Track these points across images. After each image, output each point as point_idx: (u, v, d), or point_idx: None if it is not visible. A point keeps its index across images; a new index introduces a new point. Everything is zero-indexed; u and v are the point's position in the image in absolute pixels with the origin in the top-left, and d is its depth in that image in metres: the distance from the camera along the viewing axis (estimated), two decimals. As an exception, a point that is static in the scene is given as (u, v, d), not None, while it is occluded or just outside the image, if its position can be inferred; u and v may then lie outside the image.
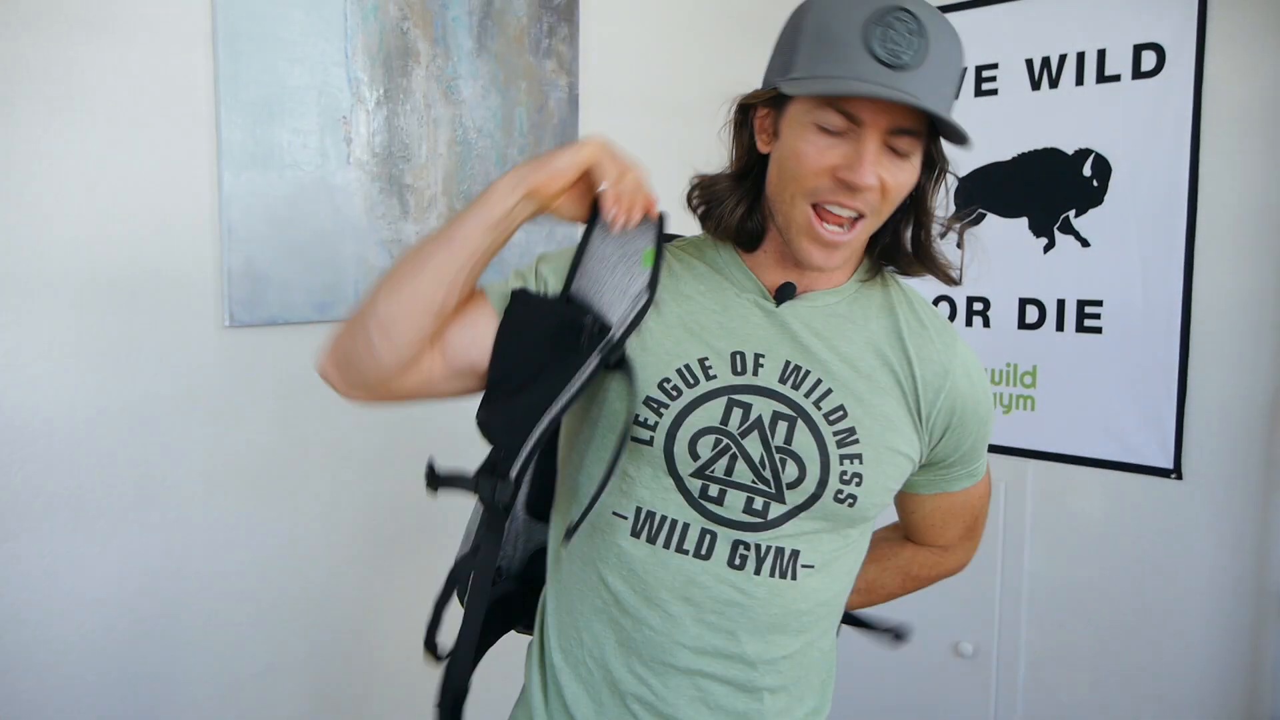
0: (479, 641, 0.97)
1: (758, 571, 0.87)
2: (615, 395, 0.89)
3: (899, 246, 0.92)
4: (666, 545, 0.88)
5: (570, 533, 0.88)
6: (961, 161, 2.03)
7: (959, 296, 2.06)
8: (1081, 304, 1.90)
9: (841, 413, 0.88)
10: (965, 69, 2.01)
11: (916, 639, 2.18)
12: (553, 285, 0.91)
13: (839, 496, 0.87)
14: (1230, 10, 1.70)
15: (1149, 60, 1.79)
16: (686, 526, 0.87)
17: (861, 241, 0.87)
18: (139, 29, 1.30)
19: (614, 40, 1.92)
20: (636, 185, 0.85)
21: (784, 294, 0.90)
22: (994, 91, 1.98)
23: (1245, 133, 1.71)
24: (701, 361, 0.88)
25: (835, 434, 0.87)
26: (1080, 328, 1.90)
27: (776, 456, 0.86)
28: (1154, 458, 1.83)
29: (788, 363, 0.88)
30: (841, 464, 0.87)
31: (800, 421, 0.87)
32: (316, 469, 1.56)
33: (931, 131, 0.84)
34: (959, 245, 0.97)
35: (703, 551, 0.87)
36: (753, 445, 0.86)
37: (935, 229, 0.92)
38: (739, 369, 0.88)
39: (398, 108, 1.60)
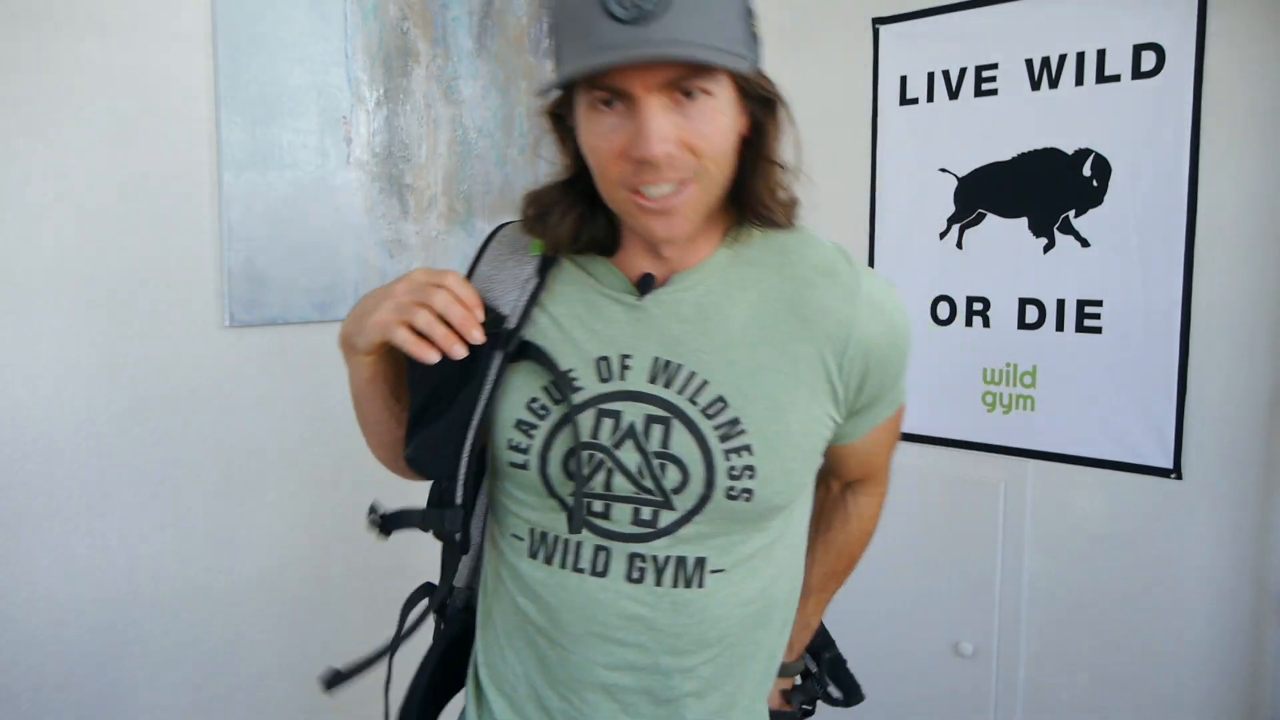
0: (439, 685, 0.97)
1: (658, 583, 0.83)
2: (518, 387, 0.85)
3: (740, 195, 0.83)
4: (563, 565, 0.85)
5: None
6: (962, 161, 2.04)
7: (959, 297, 2.06)
8: (1081, 304, 1.90)
9: (721, 404, 0.81)
10: None
11: (916, 639, 2.19)
12: None
13: (731, 494, 0.81)
14: (1230, 10, 1.70)
15: (1149, 60, 1.79)
16: (579, 545, 0.84)
17: (707, 203, 0.79)
18: (139, 29, 1.30)
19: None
20: (430, 322, 0.77)
21: (645, 285, 0.84)
22: (994, 91, 1.98)
23: (1245, 133, 1.71)
24: (567, 374, 0.83)
25: (716, 429, 0.80)
26: (1080, 328, 1.90)
27: (655, 463, 0.81)
28: (1154, 458, 1.82)
29: (656, 359, 0.82)
30: (728, 459, 0.80)
31: (676, 422, 0.81)
32: (316, 468, 1.56)
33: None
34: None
35: (599, 569, 0.83)
36: (628, 455, 0.81)
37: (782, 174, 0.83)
38: (605, 375, 0.83)
39: (398, 108, 1.60)
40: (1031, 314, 1.96)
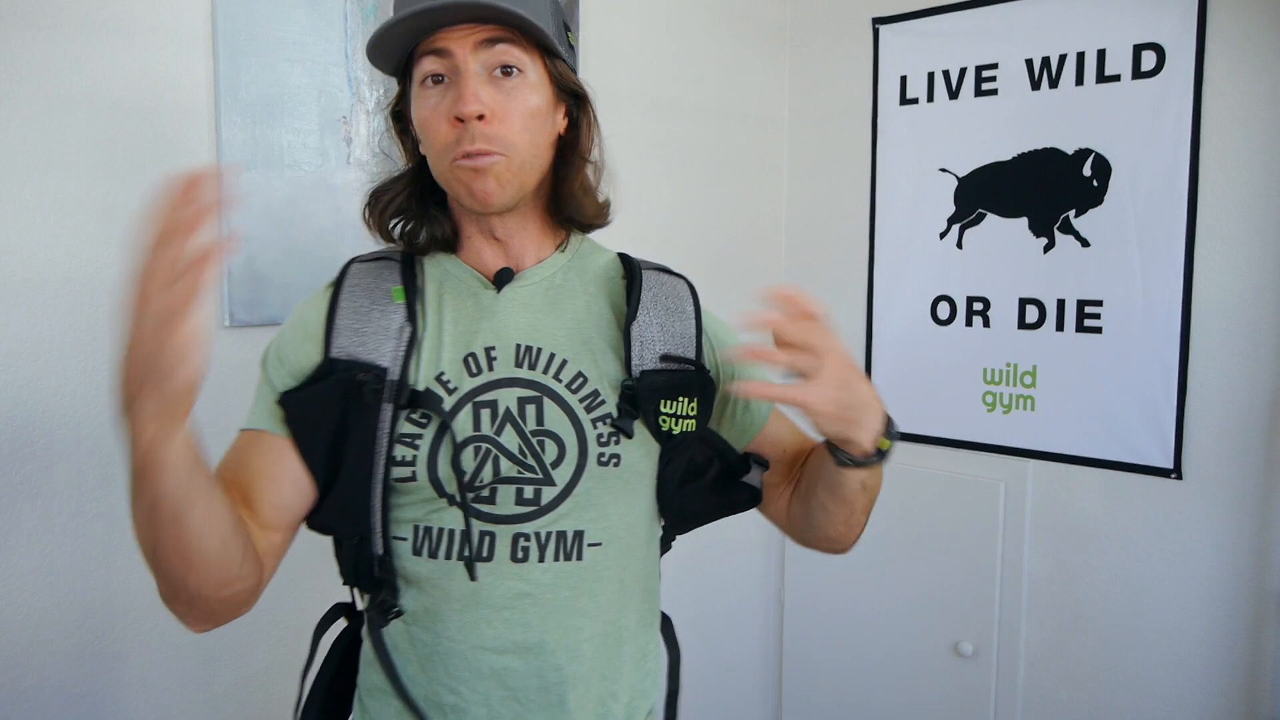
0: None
1: (541, 559, 0.87)
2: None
3: (557, 196, 0.93)
4: (448, 556, 0.87)
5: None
6: (962, 161, 2.04)
7: (959, 296, 2.06)
8: (1081, 304, 1.90)
9: (581, 379, 0.89)
10: None
11: (916, 639, 2.19)
12: (311, 355, 0.89)
13: (602, 459, 0.88)
14: (1230, 10, 1.70)
15: (1149, 60, 1.79)
16: (465, 533, 0.87)
17: (517, 179, 0.86)
18: (139, 29, 1.30)
19: (614, 40, 1.92)
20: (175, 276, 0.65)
21: (502, 279, 0.91)
22: (994, 91, 1.98)
23: (1245, 133, 1.71)
24: (439, 378, 0.87)
25: (581, 400, 0.88)
26: (1080, 328, 1.90)
27: (534, 440, 0.87)
28: (1154, 458, 1.83)
29: (519, 346, 0.89)
30: (596, 427, 0.88)
31: (546, 399, 0.87)
32: (316, 469, 1.56)
33: (549, 53, 0.86)
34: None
35: (484, 554, 0.87)
36: (509, 439, 0.87)
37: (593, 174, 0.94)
38: (474, 370, 0.88)
39: (398, 108, 1.60)
40: (1031, 314, 1.96)
